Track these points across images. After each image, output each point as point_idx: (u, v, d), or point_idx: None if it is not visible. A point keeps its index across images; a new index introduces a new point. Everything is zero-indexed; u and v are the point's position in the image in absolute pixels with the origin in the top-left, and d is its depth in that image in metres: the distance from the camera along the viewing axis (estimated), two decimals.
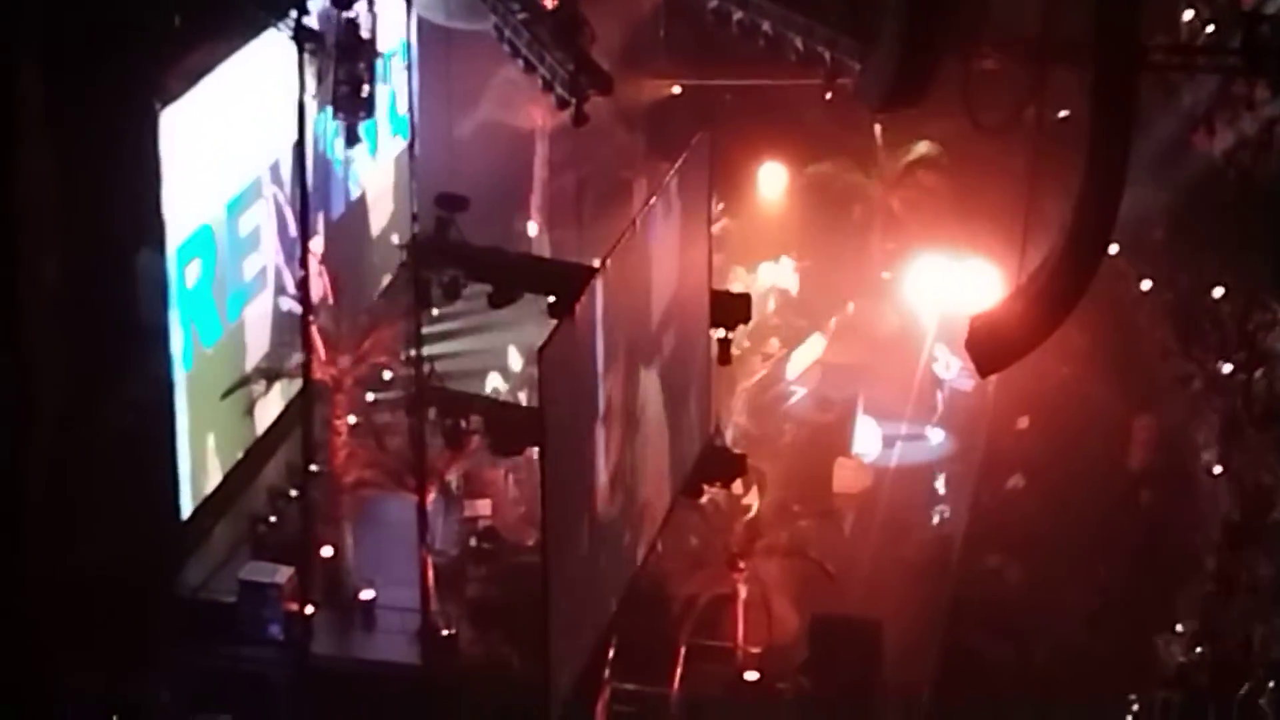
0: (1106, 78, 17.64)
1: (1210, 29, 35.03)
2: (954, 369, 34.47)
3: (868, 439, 33.98)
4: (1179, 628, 28.72)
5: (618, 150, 37.84)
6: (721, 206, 34.11)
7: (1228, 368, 33.30)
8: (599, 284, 24.40)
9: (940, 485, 32.91)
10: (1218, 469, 31.88)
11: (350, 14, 25.37)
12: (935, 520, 32.40)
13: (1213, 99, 34.31)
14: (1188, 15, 35.15)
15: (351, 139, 26.77)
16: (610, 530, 25.67)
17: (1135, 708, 28.21)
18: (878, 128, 37.73)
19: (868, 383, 35.13)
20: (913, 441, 34.17)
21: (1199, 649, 28.07)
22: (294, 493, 30.28)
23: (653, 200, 26.59)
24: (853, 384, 35.09)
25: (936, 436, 34.58)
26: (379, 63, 26.47)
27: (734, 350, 29.59)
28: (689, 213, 27.74)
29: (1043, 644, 29.64)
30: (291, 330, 29.74)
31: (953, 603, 30.65)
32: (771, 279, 37.18)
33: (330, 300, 30.92)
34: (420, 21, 33.00)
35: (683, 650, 28.45)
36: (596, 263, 25.26)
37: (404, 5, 29.98)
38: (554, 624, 23.68)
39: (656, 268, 26.60)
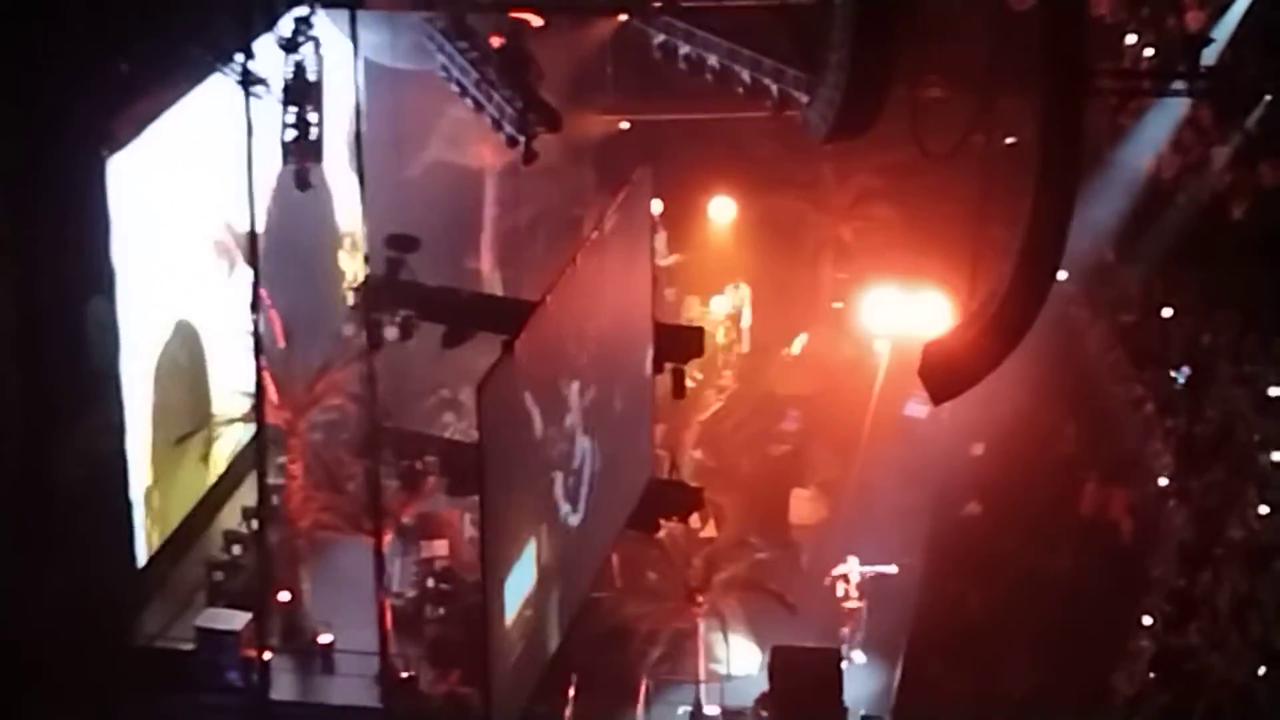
0: (1053, 104, 17.74)
1: (1151, 54, 35.14)
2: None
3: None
4: (1137, 648, 28.75)
5: (568, 187, 37.81)
6: (666, 239, 34.19)
7: (1178, 387, 33.38)
8: (539, 319, 24.48)
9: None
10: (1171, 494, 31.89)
11: (297, 57, 25.31)
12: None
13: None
14: (1130, 40, 35.24)
15: (302, 183, 26.68)
16: (559, 565, 25.65)
17: None
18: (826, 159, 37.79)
19: (820, 414, 35.17)
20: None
21: (1153, 674, 28.09)
22: (250, 537, 30.16)
23: (592, 235, 26.65)
24: (806, 414, 35.12)
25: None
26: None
27: (688, 383, 29.58)
28: (633, 246, 27.74)
29: (1002, 670, 29.65)
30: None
31: (912, 630, 30.66)
32: (724, 311, 37.22)
33: (281, 344, 30.82)
34: (367, 63, 32.96)
35: (644, 685, 28.42)
36: None
37: (350, 47, 29.90)
38: (497, 663, 23.82)
39: (602, 301, 26.61)
